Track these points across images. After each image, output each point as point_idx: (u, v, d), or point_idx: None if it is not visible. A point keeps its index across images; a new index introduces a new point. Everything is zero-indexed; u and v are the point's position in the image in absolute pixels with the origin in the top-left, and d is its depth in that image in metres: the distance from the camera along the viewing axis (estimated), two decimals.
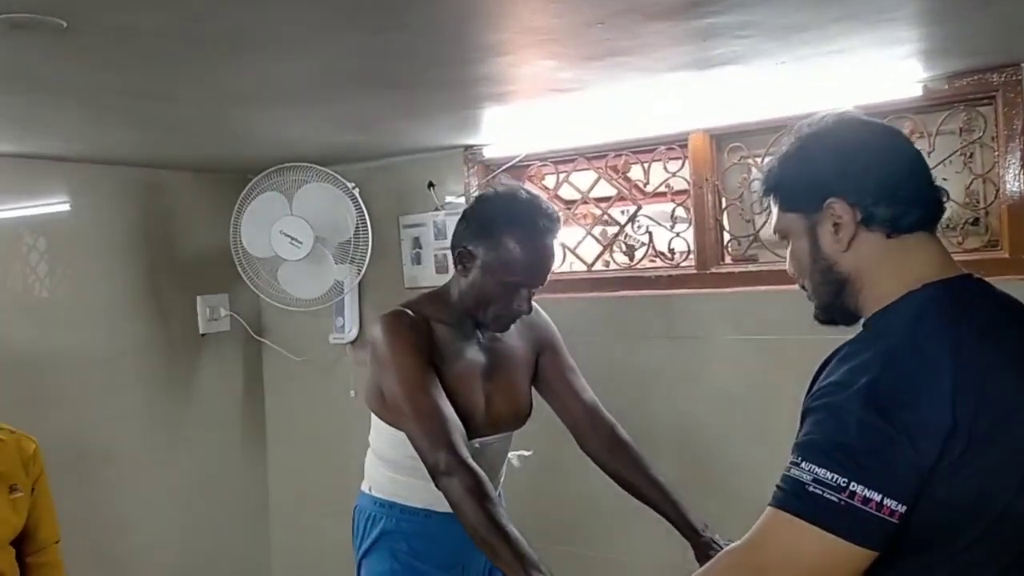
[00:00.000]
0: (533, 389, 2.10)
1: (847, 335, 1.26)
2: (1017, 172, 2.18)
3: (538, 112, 2.41)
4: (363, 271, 3.07)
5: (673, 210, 2.75)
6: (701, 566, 1.31)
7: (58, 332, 2.89)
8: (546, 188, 3.06)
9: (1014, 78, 2.14)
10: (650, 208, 2.84)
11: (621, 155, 2.81)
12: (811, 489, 1.06)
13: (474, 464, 1.72)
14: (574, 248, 2.96)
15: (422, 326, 1.90)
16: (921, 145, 2.10)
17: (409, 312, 1.91)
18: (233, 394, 3.50)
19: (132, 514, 3.08)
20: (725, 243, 2.67)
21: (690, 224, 2.70)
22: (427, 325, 1.91)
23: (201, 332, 3.33)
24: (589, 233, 2.94)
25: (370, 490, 2.08)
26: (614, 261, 2.91)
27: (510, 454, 2.13)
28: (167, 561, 3.18)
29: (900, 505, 1.04)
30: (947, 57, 2.05)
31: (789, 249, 1.31)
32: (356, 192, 3.03)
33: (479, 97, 2.19)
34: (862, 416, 1.06)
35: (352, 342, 3.30)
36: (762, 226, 2.58)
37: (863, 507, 1.04)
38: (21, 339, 2.79)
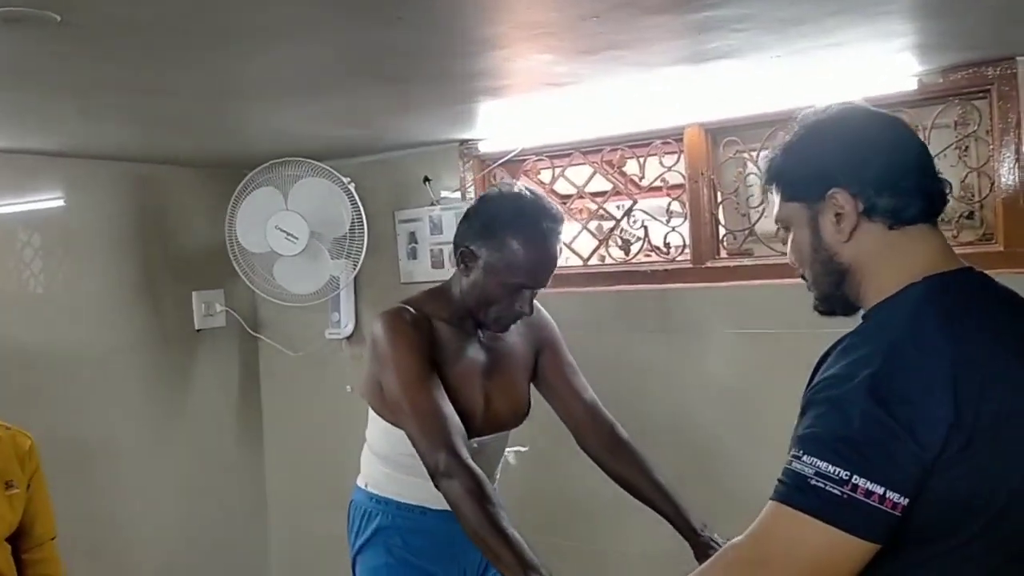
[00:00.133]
0: (532, 387, 2.10)
1: (843, 328, 1.26)
2: (1012, 166, 2.18)
3: (534, 106, 2.41)
4: (359, 266, 3.07)
5: (669, 204, 2.75)
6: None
7: (53, 328, 2.88)
8: (542, 183, 3.06)
9: (1009, 71, 2.14)
10: (646, 203, 2.85)
11: (617, 149, 2.81)
12: (813, 483, 1.05)
13: (474, 465, 1.72)
14: (570, 243, 2.96)
15: (423, 324, 1.89)
16: None
17: (410, 309, 1.89)
18: (229, 389, 3.50)
19: (128, 509, 3.08)
20: (720, 237, 2.67)
21: (686, 218, 2.70)
22: (428, 323, 1.90)
23: (197, 328, 3.32)
24: (585, 228, 2.94)
25: (366, 486, 2.08)
26: (610, 256, 2.91)
27: (506, 451, 2.13)
28: (164, 556, 3.18)
29: (902, 498, 1.04)
30: (942, 51, 2.05)
31: (790, 239, 1.31)
32: (352, 187, 3.03)
33: (475, 91, 2.19)
34: (864, 409, 1.05)
35: (348, 337, 3.30)
36: (757, 220, 2.59)
37: (866, 500, 1.03)
38: (16, 335, 2.78)
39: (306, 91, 2.10)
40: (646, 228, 2.81)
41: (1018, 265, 2.13)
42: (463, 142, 3.01)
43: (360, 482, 2.11)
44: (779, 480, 1.11)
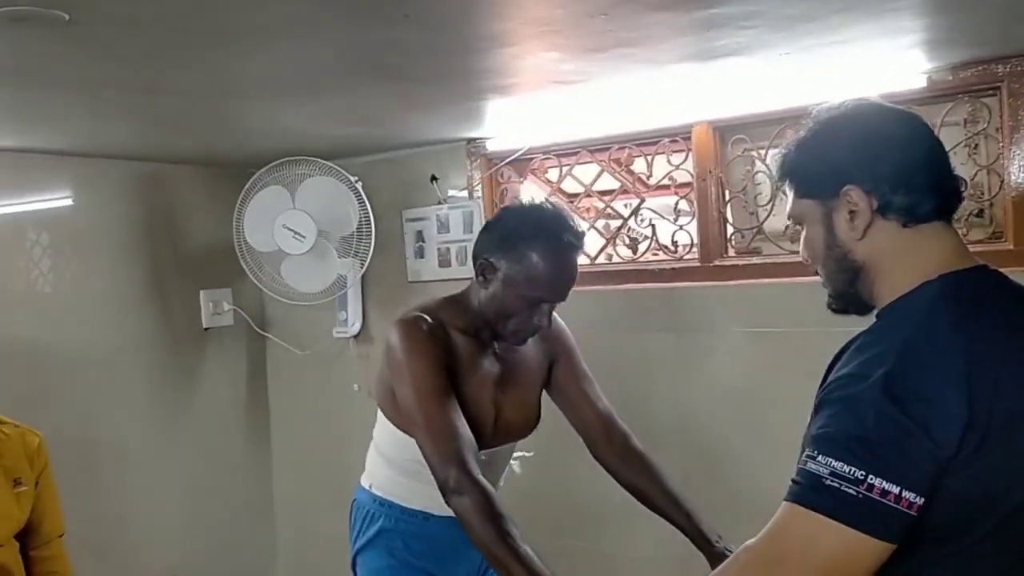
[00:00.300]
0: (548, 396, 2.09)
1: (853, 326, 1.25)
2: (1022, 163, 2.17)
3: (541, 104, 2.41)
4: (366, 265, 3.07)
5: (676, 203, 2.74)
6: None
7: (61, 327, 2.89)
8: (549, 181, 3.06)
9: (1019, 68, 2.13)
10: (653, 201, 2.84)
11: (624, 148, 2.80)
12: (828, 483, 1.05)
13: (484, 481, 1.70)
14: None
15: (440, 333, 1.87)
16: None
17: (427, 318, 1.87)
18: (236, 388, 3.50)
19: (136, 508, 3.08)
20: (729, 236, 2.66)
21: (693, 217, 2.69)
22: (444, 332, 1.88)
23: (204, 326, 3.33)
24: (592, 226, 2.94)
25: (370, 487, 2.08)
26: (617, 254, 2.91)
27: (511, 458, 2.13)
28: (172, 554, 3.19)
29: (918, 497, 1.03)
30: (951, 47, 2.04)
31: (803, 235, 1.29)
32: (359, 186, 3.03)
33: (482, 89, 2.19)
34: (879, 408, 1.04)
35: (355, 336, 3.30)
36: (765, 219, 2.58)
37: (881, 499, 1.02)
38: (25, 334, 2.79)
39: (313, 90, 2.11)
40: (654, 227, 2.80)
41: None
42: (470, 140, 3.01)
43: (364, 482, 2.11)
44: (793, 480, 1.10)
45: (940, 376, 1.06)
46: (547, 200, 1.92)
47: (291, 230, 2.92)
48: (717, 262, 2.64)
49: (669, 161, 2.73)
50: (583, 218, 2.97)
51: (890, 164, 1.19)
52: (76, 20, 1.43)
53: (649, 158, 2.79)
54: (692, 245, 2.71)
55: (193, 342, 3.31)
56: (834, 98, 1.31)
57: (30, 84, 1.89)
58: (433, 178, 3.10)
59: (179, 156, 3.12)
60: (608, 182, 2.94)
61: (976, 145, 2.28)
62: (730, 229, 2.66)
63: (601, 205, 2.95)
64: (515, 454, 2.14)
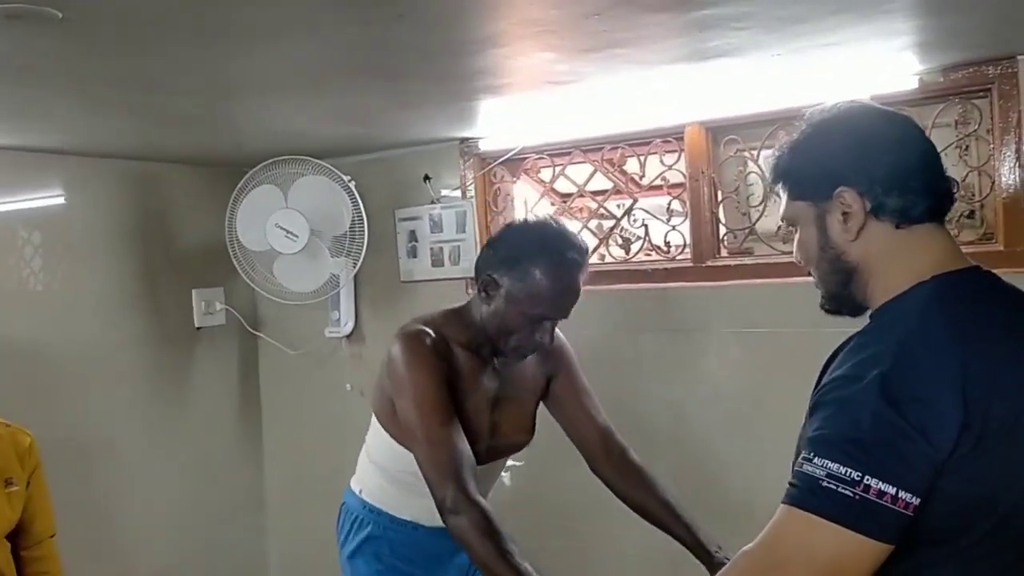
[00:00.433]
0: (546, 409, 2.09)
1: (845, 326, 1.26)
2: (1012, 165, 2.18)
3: (534, 105, 2.41)
4: (359, 264, 3.07)
5: (669, 203, 2.75)
6: None
7: (53, 326, 2.88)
8: (542, 181, 3.06)
9: (1010, 71, 2.14)
10: (646, 201, 2.85)
11: (617, 148, 2.80)
12: (825, 484, 1.05)
13: (482, 500, 1.71)
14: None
15: (442, 348, 1.86)
16: None
17: (430, 333, 1.87)
18: (229, 388, 3.49)
19: (128, 508, 3.07)
20: (721, 236, 2.67)
21: (686, 217, 2.70)
22: (447, 347, 1.88)
23: (196, 326, 3.32)
24: (585, 226, 2.94)
25: (360, 491, 2.08)
26: (610, 254, 2.91)
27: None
28: (163, 554, 3.18)
29: (915, 498, 1.04)
30: (943, 49, 2.05)
31: (797, 237, 1.30)
32: (352, 185, 3.03)
33: (475, 89, 2.19)
34: (875, 409, 1.05)
35: (348, 335, 3.30)
36: (758, 219, 2.58)
37: (878, 500, 1.03)
38: (16, 333, 2.78)
39: (306, 89, 2.10)
40: (646, 227, 2.81)
41: (1018, 264, 2.13)
42: (463, 140, 3.01)
43: (354, 486, 2.10)
44: (790, 483, 1.11)
45: (935, 377, 1.06)
46: (550, 216, 1.91)
47: (284, 229, 2.92)
48: (709, 262, 2.64)
49: (662, 161, 2.73)
50: (576, 218, 2.97)
51: (883, 166, 1.19)
52: (69, 18, 1.42)
53: (642, 158, 2.79)
54: (685, 245, 2.72)
55: (185, 341, 3.31)
56: (826, 99, 1.32)
57: (22, 82, 1.88)
58: (426, 178, 3.10)
59: (172, 155, 3.11)
60: (601, 182, 2.95)
61: (967, 147, 2.30)
62: (722, 230, 2.67)
63: (594, 205, 2.95)
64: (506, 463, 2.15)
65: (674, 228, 2.74)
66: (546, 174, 3.03)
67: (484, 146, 2.97)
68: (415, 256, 3.17)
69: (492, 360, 1.95)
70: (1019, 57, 2.13)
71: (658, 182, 2.80)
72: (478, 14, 1.58)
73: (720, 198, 2.65)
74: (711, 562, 1.84)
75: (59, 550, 2.33)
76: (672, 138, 2.69)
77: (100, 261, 3.03)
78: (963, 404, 1.05)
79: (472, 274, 2.96)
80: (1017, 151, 2.16)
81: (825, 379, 1.16)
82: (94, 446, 2.98)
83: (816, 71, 2.11)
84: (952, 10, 1.71)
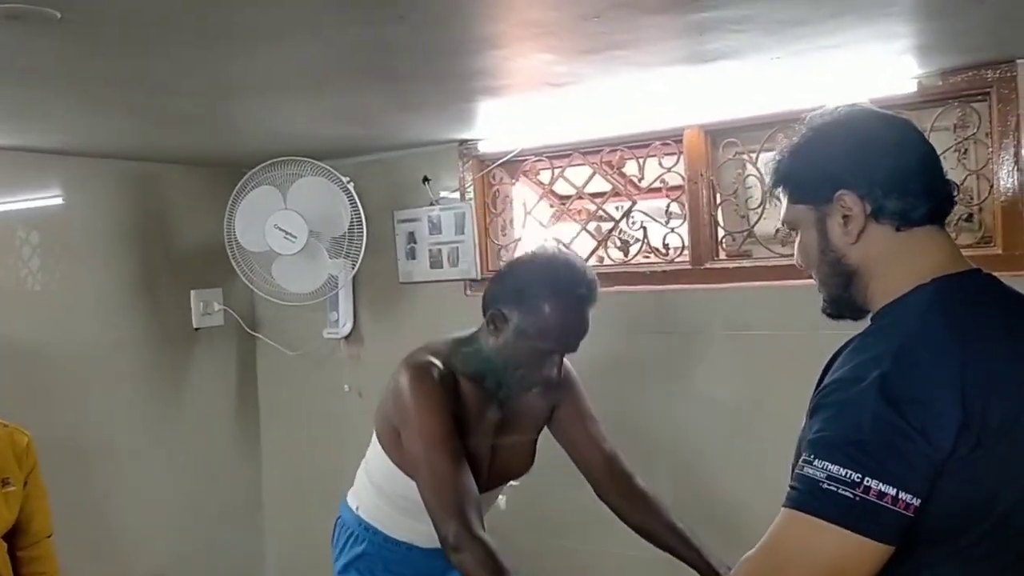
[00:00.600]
0: (551, 435, 2.08)
1: (843, 329, 1.26)
2: (1011, 169, 2.18)
3: (533, 106, 2.41)
4: (357, 266, 3.07)
5: (668, 206, 2.75)
6: None
7: (51, 326, 2.88)
8: (541, 183, 3.06)
9: (1009, 74, 2.14)
10: (645, 204, 2.84)
11: (616, 150, 2.81)
12: (825, 486, 1.05)
13: (485, 536, 1.71)
14: (569, 244, 2.96)
15: (449, 382, 1.85)
16: None
17: (438, 364, 1.85)
18: (227, 389, 3.49)
19: (125, 508, 3.07)
20: (719, 239, 2.67)
21: (685, 220, 2.70)
22: (454, 380, 1.87)
23: (195, 326, 3.32)
24: (584, 229, 2.94)
25: (357, 508, 2.08)
26: (609, 257, 2.91)
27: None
28: (161, 555, 3.18)
29: (915, 499, 1.04)
30: (942, 53, 2.05)
31: (798, 241, 1.30)
32: (351, 186, 3.03)
33: (474, 91, 2.19)
34: (875, 411, 1.05)
35: (346, 337, 3.29)
36: (756, 222, 2.59)
37: (879, 502, 1.03)
38: (14, 333, 2.78)
39: (306, 90, 2.10)
40: (645, 229, 2.81)
41: (1016, 268, 2.13)
42: (462, 142, 3.01)
43: (351, 502, 2.10)
44: (791, 486, 1.11)
45: (935, 378, 1.07)
46: (559, 249, 1.89)
47: (282, 230, 2.91)
48: (708, 265, 2.64)
49: (660, 164, 2.74)
50: (575, 220, 2.97)
51: (883, 169, 1.20)
52: (68, 18, 1.42)
53: (641, 161, 2.79)
54: (683, 248, 2.72)
55: (183, 342, 3.30)
56: (825, 102, 1.32)
57: (20, 82, 1.88)
58: (425, 179, 3.10)
59: (170, 155, 3.11)
60: (600, 184, 2.95)
61: (966, 150, 2.30)
62: (721, 232, 2.67)
63: (593, 207, 2.96)
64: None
65: (673, 230, 2.74)
66: (545, 176, 3.03)
67: (483, 148, 2.97)
68: (414, 257, 3.17)
69: (498, 392, 1.93)
70: (1018, 61, 2.13)
71: (657, 184, 2.80)
72: (478, 15, 1.58)
73: (719, 201, 2.65)
74: None
75: (56, 550, 2.33)
76: (671, 140, 2.69)
77: (99, 261, 3.03)
78: (962, 404, 1.05)
79: (470, 276, 3.01)
80: (1015, 155, 2.16)
81: (826, 381, 1.16)
82: (92, 446, 2.97)
83: (815, 74, 2.11)
84: (951, 13, 1.71)
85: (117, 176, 3.07)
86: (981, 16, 1.74)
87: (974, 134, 2.26)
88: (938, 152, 1.28)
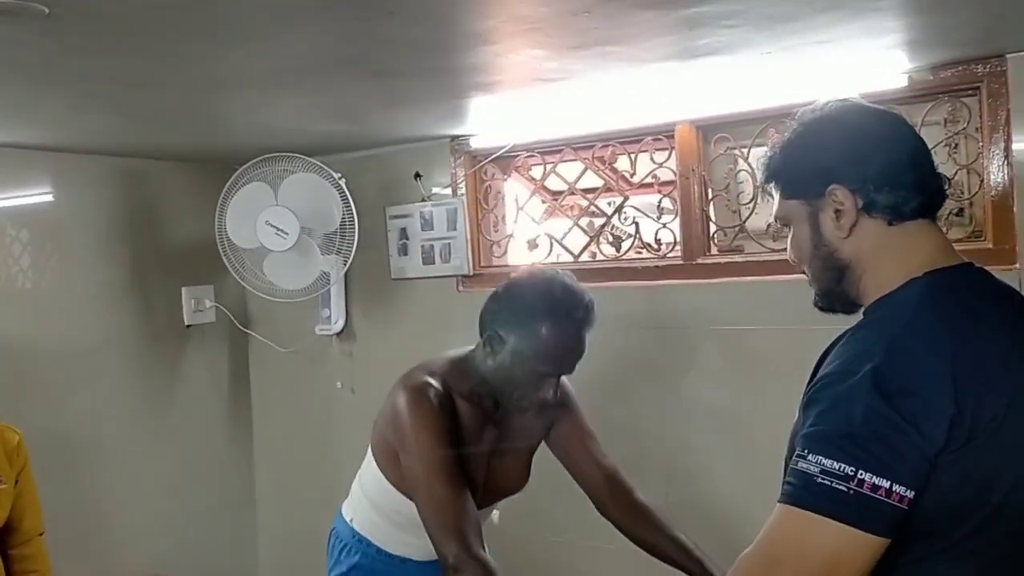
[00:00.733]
0: (552, 452, 2.08)
1: (835, 324, 1.26)
2: (1001, 163, 2.19)
3: (525, 102, 2.41)
4: (349, 262, 3.06)
5: (660, 201, 2.75)
6: None
7: (42, 323, 2.87)
8: (533, 179, 3.06)
9: (998, 69, 2.15)
10: (637, 199, 2.85)
11: (608, 146, 2.81)
12: (819, 480, 1.05)
13: (484, 556, 1.71)
14: (561, 239, 2.96)
15: (447, 403, 1.85)
16: None
17: (435, 385, 1.85)
18: (219, 385, 3.49)
19: (117, 506, 3.07)
20: (711, 234, 2.68)
21: (676, 215, 2.70)
22: (451, 401, 1.86)
23: (186, 323, 3.31)
24: (576, 224, 2.94)
25: (351, 520, 2.07)
26: (601, 252, 2.91)
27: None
28: (152, 552, 3.17)
29: (908, 491, 1.04)
30: (932, 48, 2.06)
31: (790, 236, 1.31)
32: (342, 182, 3.02)
33: (466, 86, 2.19)
34: (867, 404, 1.05)
35: (338, 333, 3.29)
36: (748, 217, 2.59)
37: (872, 495, 1.03)
38: (4, 331, 2.77)
39: (296, 85, 2.10)
40: (637, 224, 2.81)
41: (1007, 262, 2.14)
42: (454, 138, 3.01)
43: (346, 513, 2.10)
44: (786, 481, 1.11)
45: (927, 371, 1.07)
46: (557, 272, 1.88)
47: (274, 227, 2.91)
48: (700, 260, 2.65)
49: (652, 159, 2.74)
50: (567, 216, 2.97)
51: (874, 163, 1.20)
52: (55, 14, 1.42)
53: (632, 156, 2.79)
54: (675, 243, 2.72)
55: (175, 339, 3.30)
56: (816, 97, 1.32)
57: (9, 78, 1.88)
58: (417, 175, 3.10)
59: (161, 152, 3.10)
60: (592, 180, 2.95)
61: (956, 145, 2.30)
62: (713, 227, 2.67)
63: (584, 203, 2.96)
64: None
65: (664, 226, 2.74)
66: (537, 172, 3.03)
67: (475, 144, 2.97)
68: (406, 254, 3.16)
69: (494, 411, 1.93)
70: (1008, 55, 2.13)
71: (649, 180, 2.80)
72: (468, 11, 1.58)
73: (710, 196, 2.66)
74: None
75: (47, 548, 2.33)
76: (663, 136, 2.69)
77: (89, 258, 3.02)
78: (954, 397, 1.05)
79: (463, 272, 3.01)
80: (1006, 149, 2.17)
81: (818, 375, 1.16)
82: (83, 444, 2.97)
83: (806, 69, 2.11)
84: (941, 8, 1.71)
85: (108, 173, 3.06)
86: (970, 11, 1.74)
87: (964, 129, 2.27)
88: (929, 147, 1.29)
